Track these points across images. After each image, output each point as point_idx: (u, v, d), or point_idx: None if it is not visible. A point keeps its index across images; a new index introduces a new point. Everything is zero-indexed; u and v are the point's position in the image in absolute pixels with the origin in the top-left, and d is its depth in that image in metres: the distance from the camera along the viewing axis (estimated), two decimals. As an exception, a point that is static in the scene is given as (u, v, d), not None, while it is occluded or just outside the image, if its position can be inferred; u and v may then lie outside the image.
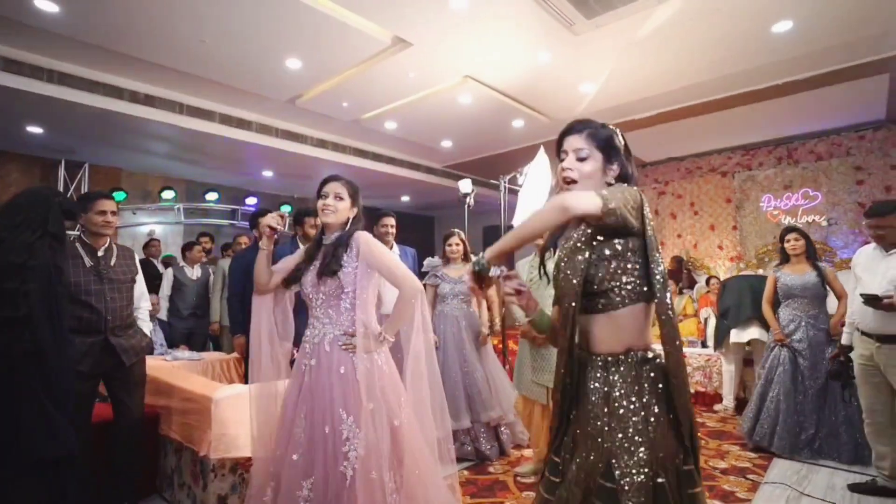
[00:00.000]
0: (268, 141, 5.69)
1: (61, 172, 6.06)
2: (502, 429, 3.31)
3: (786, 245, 3.34)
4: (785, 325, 3.32)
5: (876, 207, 2.57)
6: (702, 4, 3.46)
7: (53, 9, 3.43)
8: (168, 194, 6.53)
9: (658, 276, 1.14)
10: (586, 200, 1.10)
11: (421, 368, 1.76)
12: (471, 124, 5.85)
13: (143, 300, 2.57)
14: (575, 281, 1.16)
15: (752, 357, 4.10)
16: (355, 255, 1.76)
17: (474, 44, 4.02)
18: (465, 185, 4.20)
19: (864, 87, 4.78)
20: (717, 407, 4.23)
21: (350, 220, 1.85)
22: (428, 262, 3.59)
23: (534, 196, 4.07)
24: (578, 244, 1.19)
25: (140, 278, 2.55)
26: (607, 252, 1.15)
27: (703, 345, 4.82)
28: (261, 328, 1.84)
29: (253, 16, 3.57)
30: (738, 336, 4.05)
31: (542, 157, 4.04)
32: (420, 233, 10.22)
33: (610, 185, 1.24)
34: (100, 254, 2.34)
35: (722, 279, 5.19)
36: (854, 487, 2.64)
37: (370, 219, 2.45)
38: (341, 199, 1.83)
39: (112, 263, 2.36)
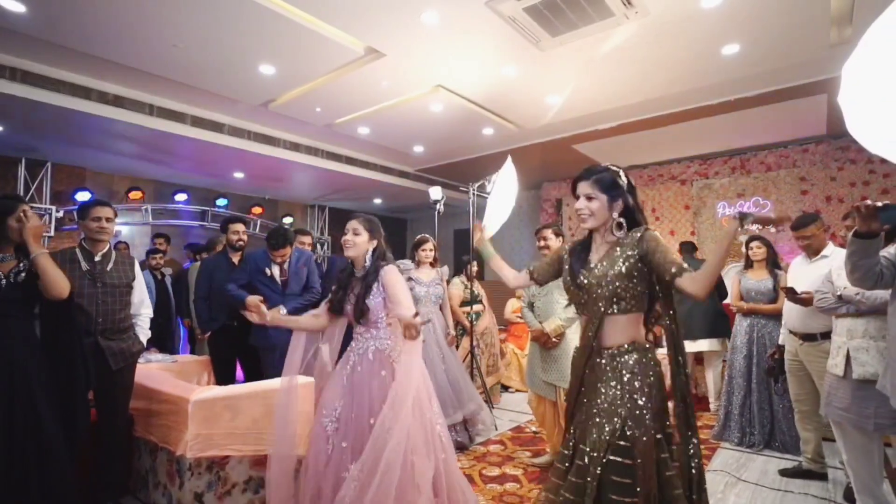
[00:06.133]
0: (240, 143, 5.70)
1: (21, 171, 5.91)
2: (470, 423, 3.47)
3: (749, 252, 3.59)
4: (741, 326, 3.53)
5: (798, 220, 2.84)
6: (656, 28, 3.72)
7: (20, 9, 3.39)
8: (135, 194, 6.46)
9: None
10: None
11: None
12: (442, 131, 6.00)
13: (143, 307, 2.60)
14: (608, 291, 1.47)
15: (702, 356, 4.37)
16: (381, 287, 2.04)
17: (445, 55, 4.17)
18: (436, 193, 4.35)
19: (806, 104, 5.17)
20: None
21: (370, 252, 2.09)
22: (401, 265, 3.71)
23: (501, 202, 4.26)
24: (621, 265, 1.46)
25: (139, 285, 2.58)
26: (635, 273, 1.46)
27: (658, 344, 5.09)
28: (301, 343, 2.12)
29: (226, 23, 3.62)
30: (690, 347, 4.23)
31: (509, 166, 4.22)
32: (393, 234, 10.33)
33: (620, 224, 1.50)
34: (97, 259, 2.39)
35: None
36: (783, 472, 2.92)
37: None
38: (358, 234, 2.07)
39: (108, 268, 2.41)
